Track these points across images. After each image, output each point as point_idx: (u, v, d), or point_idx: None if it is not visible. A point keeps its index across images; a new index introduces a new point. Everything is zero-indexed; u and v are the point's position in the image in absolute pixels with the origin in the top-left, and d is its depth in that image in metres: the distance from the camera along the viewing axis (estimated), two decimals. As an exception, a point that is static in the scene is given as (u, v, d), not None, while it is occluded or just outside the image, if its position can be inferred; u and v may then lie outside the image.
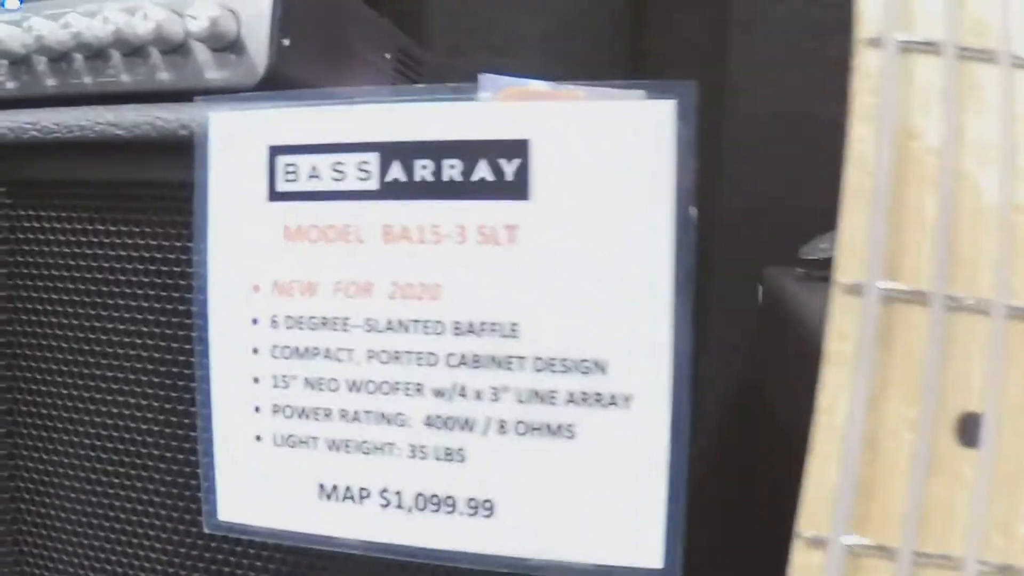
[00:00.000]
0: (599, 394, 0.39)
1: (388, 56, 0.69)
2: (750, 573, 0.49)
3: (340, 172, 0.42)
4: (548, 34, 1.04)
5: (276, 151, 0.43)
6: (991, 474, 0.27)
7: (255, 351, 0.44)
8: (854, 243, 0.27)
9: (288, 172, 0.43)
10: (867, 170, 0.27)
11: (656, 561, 0.40)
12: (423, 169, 0.41)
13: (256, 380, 0.44)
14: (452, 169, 0.41)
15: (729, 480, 0.86)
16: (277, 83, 0.53)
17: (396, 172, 0.41)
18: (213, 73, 0.55)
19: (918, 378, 0.27)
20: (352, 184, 0.42)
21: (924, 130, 0.27)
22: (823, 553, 0.27)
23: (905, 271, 0.27)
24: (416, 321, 0.41)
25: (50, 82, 0.60)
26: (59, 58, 0.59)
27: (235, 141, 0.44)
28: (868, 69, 0.28)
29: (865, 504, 0.27)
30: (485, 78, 0.42)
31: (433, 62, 0.80)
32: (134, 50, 0.56)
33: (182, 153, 0.46)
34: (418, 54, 0.75)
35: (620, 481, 0.40)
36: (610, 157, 0.39)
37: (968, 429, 0.27)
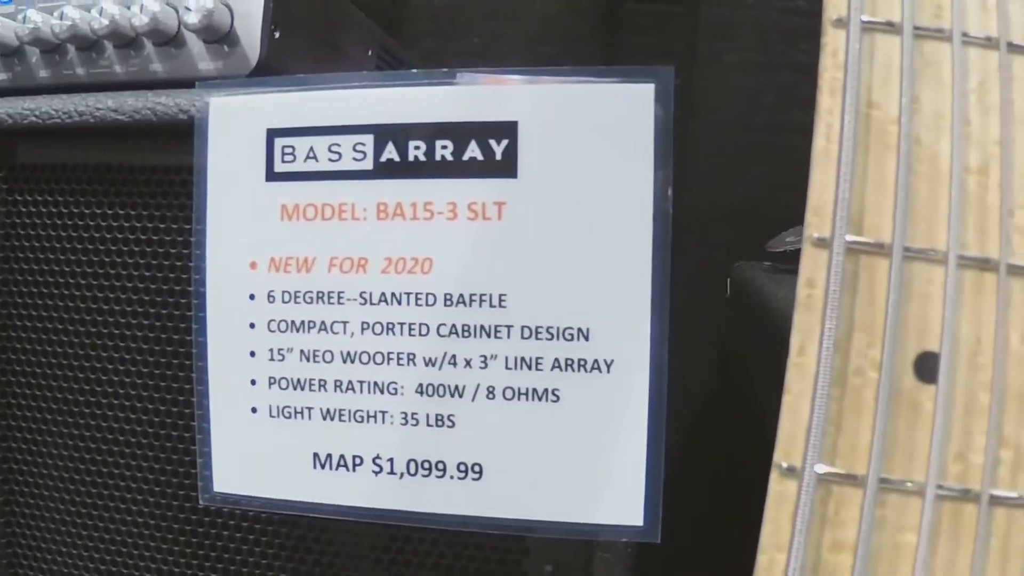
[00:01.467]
0: (583, 360, 0.42)
1: (371, 53, 0.72)
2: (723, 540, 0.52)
3: (336, 153, 0.45)
4: (523, 39, 1.07)
5: (274, 133, 0.46)
6: (948, 407, 0.30)
7: (252, 326, 0.46)
8: (822, 202, 0.30)
9: (286, 153, 0.45)
10: (833, 138, 0.30)
11: (637, 519, 0.43)
12: (416, 150, 0.44)
13: (252, 354, 0.46)
14: (444, 149, 0.43)
15: (702, 462, 0.89)
16: (267, 74, 0.56)
17: (390, 152, 0.44)
18: (206, 64, 0.57)
19: (880, 321, 0.30)
20: (348, 164, 0.45)
21: (885, 102, 0.31)
22: (797, 481, 0.30)
23: (868, 226, 0.30)
24: (408, 294, 0.44)
25: (43, 73, 0.62)
26: (52, 50, 0.61)
27: (234, 125, 0.47)
28: (835, 47, 0.31)
29: (834, 437, 0.30)
30: (463, 75, 0.45)
31: (413, 62, 0.83)
32: (128, 42, 0.59)
33: (181, 137, 0.48)
34: (399, 52, 0.78)
35: (602, 443, 0.43)
36: (593, 137, 0.42)
37: (926, 367, 0.30)
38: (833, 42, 0.31)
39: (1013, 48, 0.31)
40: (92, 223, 0.54)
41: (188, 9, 0.56)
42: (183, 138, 0.48)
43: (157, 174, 0.53)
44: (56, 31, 0.59)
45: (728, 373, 0.95)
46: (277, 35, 0.57)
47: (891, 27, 0.31)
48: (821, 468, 0.30)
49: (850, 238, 0.30)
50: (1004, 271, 0.30)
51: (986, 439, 0.30)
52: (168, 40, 0.58)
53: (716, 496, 0.81)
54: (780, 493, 0.31)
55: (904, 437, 0.30)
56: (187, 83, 0.55)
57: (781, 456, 0.31)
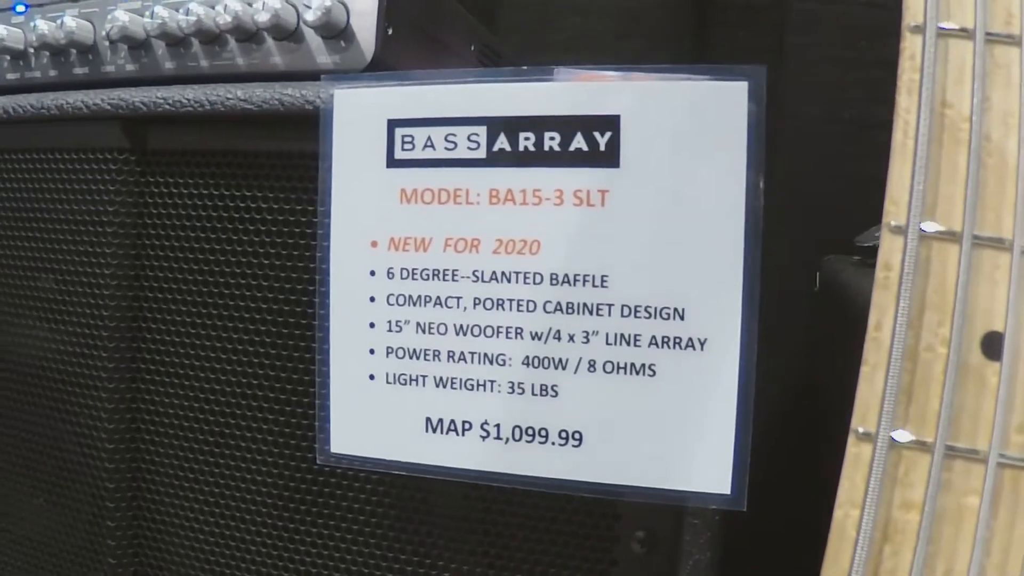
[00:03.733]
0: (678, 338, 0.47)
1: (473, 48, 0.78)
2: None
3: (452, 142, 0.50)
4: (613, 35, 1.12)
5: (394, 124, 0.52)
6: (1011, 382, 0.34)
7: (372, 299, 0.52)
8: (899, 193, 0.35)
9: (405, 142, 0.51)
10: (910, 134, 0.35)
11: (724, 487, 0.48)
12: (526, 140, 0.49)
13: (372, 325, 0.52)
14: (552, 140, 0.49)
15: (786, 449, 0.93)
16: (379, 69, 0.62)
17: (502, 143, 0.50)
18: (324, 58, 0.63)
19: (950, 302, 0.35)
20: (462, 153, 0.50)
21: (958, 101, 0.35)
22: (871, 445, 0.35)
23: (940, 215, 0.35)
24: (517, 272, 0.49)
25: (168, 65, 0.69)
26: (178, 43, 0.68)
27: (357, 115, 0.52)
28: (912, 51, 0.36)
29: (905, 405, 0.35)
30: (559, 70, 0.50)
31: (509, 56, 0.89)
32: (250, 36, 0.65)
33: (306, 126, 0.54)
34: (498, 47, 0.83)
35: (694, 416, 0.48)
36: (690, 131, 0.47)
37: (992, 345, 0.35)
38: (911, 46, 0.36)
39: (1081, 54, 0.36)
40: (220, 204, 0.61)
41: (307, 7, 0.62)
42: (308, 126, 0.54)
43: (281, 159, 0.59)
44: (182, 26, 0.66)
45: (813, 365, 0.99)
46: (390, 32, 0.62)
47: (965, 33, 0.36)
48: (894, 434, 0.35)
49: (924, 226, 0.35)
50: (1067, 258, 0.35)
51: (1047, 412, 0.35)
52: (288, 35, 0.64)
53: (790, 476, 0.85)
54: (856, 455, 0.35)
55: (971, 409, 0.35)
56: (305, 76, 0.61)
57: (858, 421, 0.35)
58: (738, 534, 0.55)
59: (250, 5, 0.64)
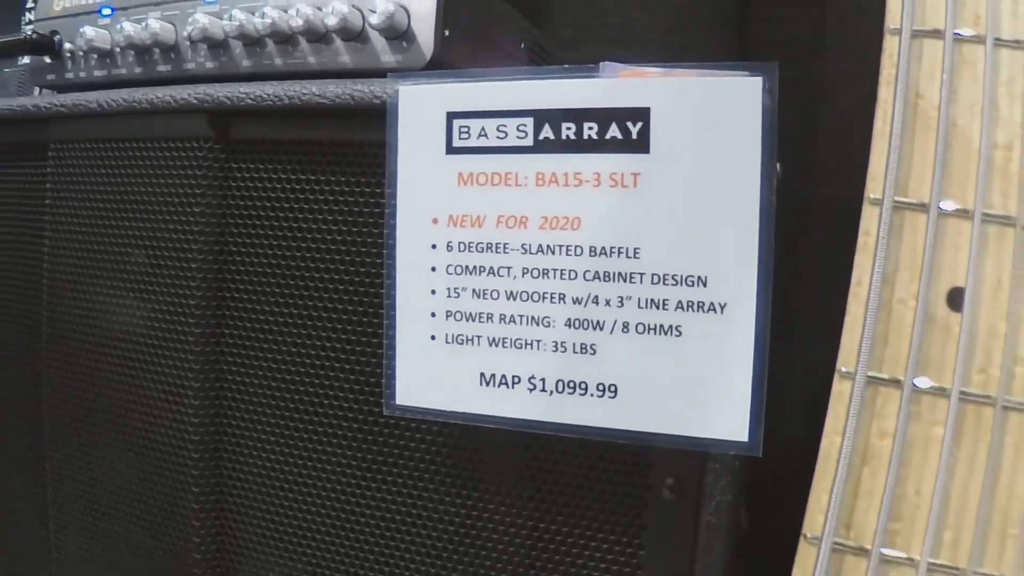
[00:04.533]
0: (701, 302, 0.54)
1: (523, 46, 0.86)
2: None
3: (503, 132, 0.58)
4: (659, 27, 1.18)
5: (452, 116, 0.59)
6: (971, 330, 0.42)
7: (433, 269, 0.60)
8: (877, 170, 0.43)
9: (462, 132, 0.59)
10: (887, 121, 0.42)
11: (743, 435, 0.54)
12: (567, 130, 0.57)
13: (433, 292, 0.60)
14: (590, 130, 0.56)
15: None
16: (438, 67, 0.70)
17: (547, 132, 0.57)
18: (387, 57, 0.71)
19: (919, 263, 0.42)
20: (512, 141, 0.58)
21: (929, 93, 0.43)
22: (851, 382, 0.43)
23: (912, 188, 0.42)
24: (560, 245, 0.57)
25: (245, 63, 0.77)
26: (254, 43, 0.76)
27: (419, 108, 0.60)
28: (891, 50, 0.43)
29: (881, 349, 0.43)
30: (605, 65, 0.57)
31: (557, 53, 0.96)
32: (320, 37, 0.73)
33: (374, 118, 0.62)
34: (547, 45, 0.91)
35: (715, 371, 0.55)
36: (712, 120, 0.54)
37: (955, 299, 0.42)
38: (890, 46, 0.43)
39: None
40: (296, 187, 0.69)
41: (372, 11, 0.69)
42: (377, 118, 0.62)
43: (352, 148, 0.67)
44: (258, 27, 0.74)
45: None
46: (447, 33, 0.70)
47: (937, 34, 0.43)
48: (871, 373, 0.42)
49: (897, 198, 0.42)
50: (1021, 226, 0.42)
51: (1002, 357, 0.42)
52: (354, 36, 0.72)
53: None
54: (839, 392, 0.43)
55: (937, 353, 0.42)
56: (369, 73, 0.69)
57: (841, 362, 0.43)
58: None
59: (320, 9, 0.72)
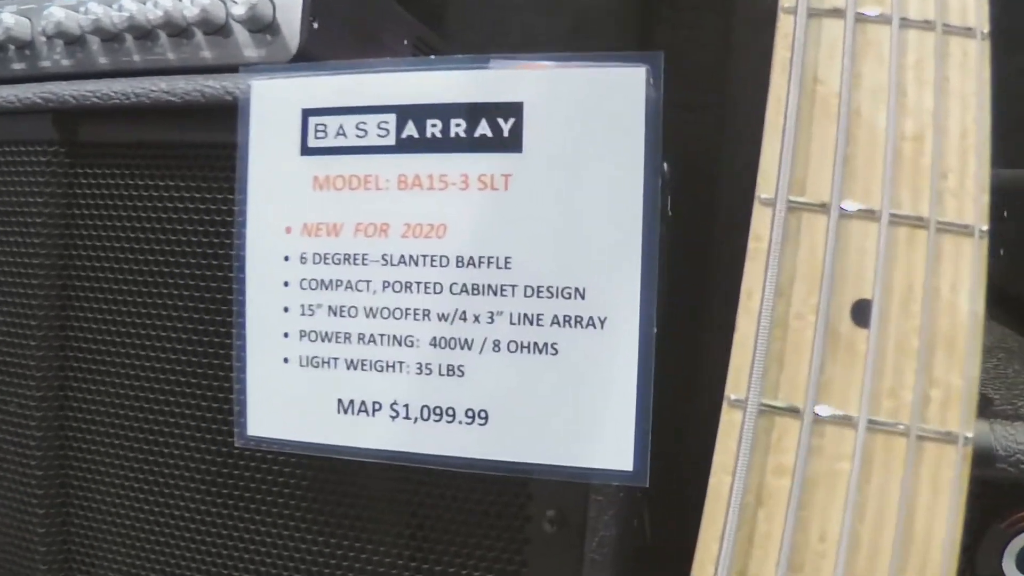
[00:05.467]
0: (579, 316, 0.47)
1: (406, 43, 0.78)
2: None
3: (363, 130, 0.50)
4: (563, 33, 1.12)
5: (308, 113, 0.51)
6: (881, 349, 0.34)
7: (286, 284, 0.52)
8: (769, 167, 0.35)
9: (318, 131, 0.51)
10: (780, 110, 0.35)
11: (627, 464, 0.47)
12: (433, 127, 0.49)
13: (286, 309, 0.52)
14: (458, 127, 0.49)
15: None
16: (307, 61, 0.61)
17: (410, 130, 0.49)
18: (251, 51, 0.63)
19: (819, 272, 0.34)
20: (373, 140, 0.50)
21: (828, 78, 0.35)
22: (742, 412, 0.35)
23: (810, 188, 0.35)
24: (425, 256, 0.49)
25: (102, 60, 0.68)
26: (111, 38, 0.67)
27: (273, 105, 0.52)
28: (786, 31, 0.36)
29: (777, 373, 0.35)
30: (495, 60, 0.50)
31: (450, 53, 0.88)
32: (180, 31, 0.65)
33: (226, 117, 0.54)
34: (434, 42, 0.83)
35: (596, 393, 0.47)
36: (591, 115, 0.47)
37: (861, 312, 0.34)
38: (784, 27, 0.36)
39: (948, 29, 0.36)
40: (146, 194, 0.60)
41: (235, 1, 0.61)
42: (228, 117, 0.54)
43: (204, 150, 0.58)
44: (115, 21, 0.65)
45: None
46: (315, 25, 0.62)
47: (837, 12, 0.35)
48: (764, 400, 0.35)
49: (792, 198, 0.34)
50: (934, 228, 0.34)
51: (915, 379, 0.34)
52: (217, 29, 0.64)
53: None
54: (729, 422, 0.35)
55: (841, 375, 0.35)
56: (233, 69, 0.60)
57: (730, 388, 0.35)
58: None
59: (180, 1, 0.63)
